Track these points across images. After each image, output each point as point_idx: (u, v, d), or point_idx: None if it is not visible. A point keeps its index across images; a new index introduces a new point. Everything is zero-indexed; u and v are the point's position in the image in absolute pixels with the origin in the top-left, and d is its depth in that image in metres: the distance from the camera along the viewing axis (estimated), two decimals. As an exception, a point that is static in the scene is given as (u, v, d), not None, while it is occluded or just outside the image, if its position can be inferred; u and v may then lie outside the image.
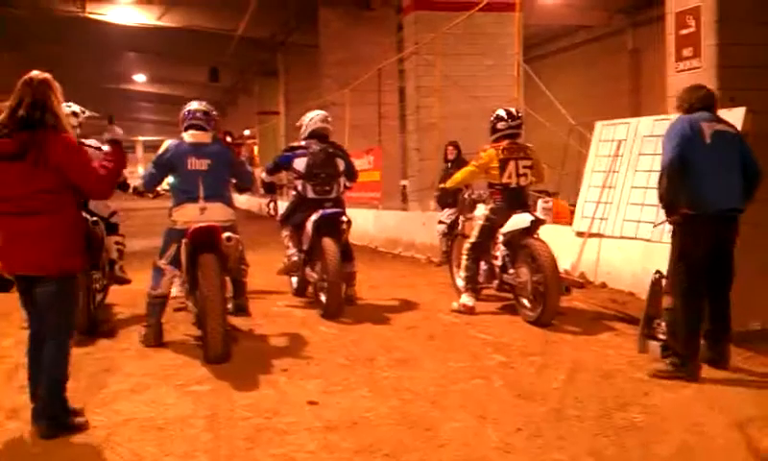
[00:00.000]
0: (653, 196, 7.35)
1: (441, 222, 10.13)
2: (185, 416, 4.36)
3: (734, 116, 5.96)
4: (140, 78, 33.37)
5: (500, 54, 13.49)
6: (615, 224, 7.87)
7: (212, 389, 4.87)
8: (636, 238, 7.49)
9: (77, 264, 4.13)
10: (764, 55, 6.75)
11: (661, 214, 6.88)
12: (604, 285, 7.86)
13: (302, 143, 7.38)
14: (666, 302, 5.10)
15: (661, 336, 5.35)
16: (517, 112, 7.34)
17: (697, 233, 4.90)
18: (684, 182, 4.88)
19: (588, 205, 8.40)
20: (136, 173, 39.94)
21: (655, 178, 7.41)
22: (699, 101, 5.10)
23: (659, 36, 14.72)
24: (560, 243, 7.66)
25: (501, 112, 7.18)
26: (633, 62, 20.56)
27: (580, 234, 8.40)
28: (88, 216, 6.14)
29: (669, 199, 4.94)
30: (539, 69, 14.46)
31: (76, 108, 6.47)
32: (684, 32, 7.20)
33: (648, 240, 7.26)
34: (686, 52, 7.20)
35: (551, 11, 18.13)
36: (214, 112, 6.22)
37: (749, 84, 6.49)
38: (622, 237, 7.73)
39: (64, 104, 6.26)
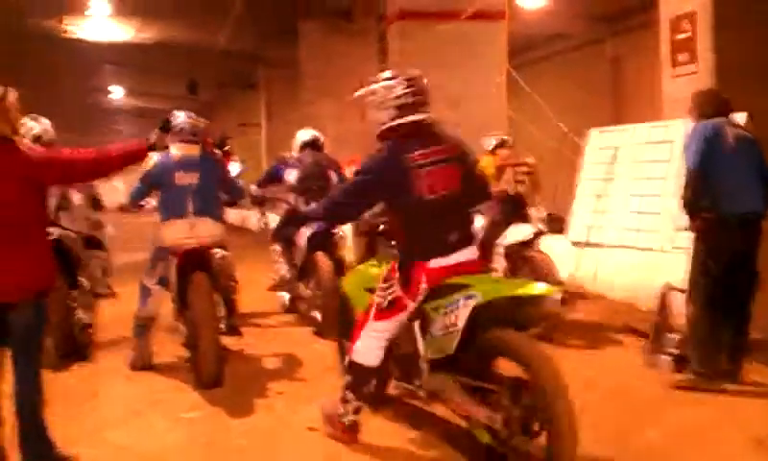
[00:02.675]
0: (652, 204, 7.25)
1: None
2: (182, 445, 4.16)
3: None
4: (118, 91, 32.93)
5: (485, 63, 13.33)
6: (613, 233, 7.72)
7: (206, 415, 4.65)
8: (635, 247, 7.34)
9: (50, 283, 3.80)
10: (761, 58, 6.66)
11: (668, 224, 6.82)
12: (602, 296, 7.69)
13: (294, 154, 7.17)
14: (687, 311, 4.94)
15: (672, 351, 5.20)
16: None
17: (719, 239, 4.74)
18: (708, 187, 4.73)
19: (583, 213, 8.25)
20: (116, 188, 39.39)
21: (653, 185, 7.33)
22: (714, 107, 4.96)
23: (640, 44, 14.70)
24: (555, 253, 7.48)
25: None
26: (613, 70, 20.54)
27: (576, 244, 8.25)
28: (66, 232, 5.89)
29: (692, 203, 4.78)
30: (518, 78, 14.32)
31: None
32: (680, 37, 7.09)
33: (649, 249, 7.12)
34: (682, 57, 7.10)
35: (534, 19, 18.02)
36: (202, 122, 5.97)
37: (746, 89, 6.36)
38: (621, 246, 7.57)
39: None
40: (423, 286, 3.62)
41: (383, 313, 3.74)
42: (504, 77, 10.90)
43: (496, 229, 6.66)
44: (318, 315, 6.62)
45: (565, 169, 10.08)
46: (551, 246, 7.53)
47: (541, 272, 6.19)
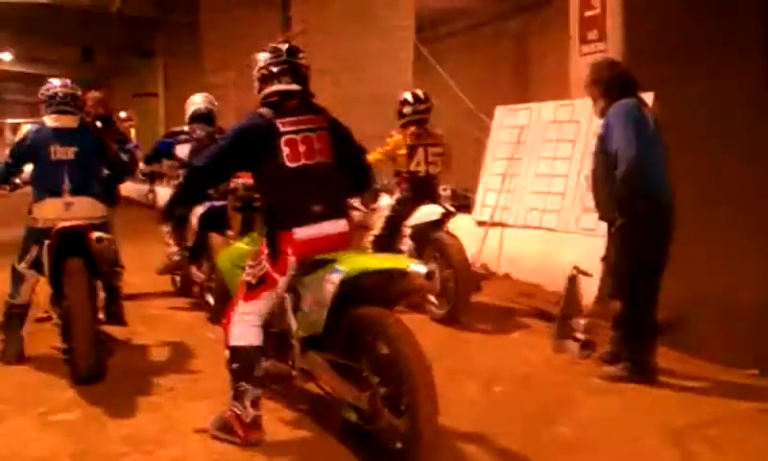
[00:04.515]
0: (558, 184, 7.14)
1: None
2: (48, 454, 3.70)
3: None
4: (6, 56, 30.92)
5: (392, 36, 13.05)
6: (518, 213, 7.59)
7: (82, 417, 4.19)
8: (540, 227, 7.22)
9: None
10: (669, 37, 6.61)
11: (574, 205, 6.70)
12: (507, 276, 7.57)
13: (185, 128, 6.67)
14: (615, 306, 4.74)
15: (579, 336, 5.06)
16: (425, 96, 6.81)
17: (655, 231, 4.47)
18: (644, 173, 4.41)
19: (489, 193, 8.10)
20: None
21: (559, 165, 7.21)
22: (624, 84, 4.68)
23: (546, 22, 14.74)
24: (459, 232, 7.29)
25: (408, 96, 6.69)
26: (519, 48, 20.59)
27: (481, 224, 8.10)
28: None
29: (633, 192, 4.40)
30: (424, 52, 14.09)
31: None
32: (589, 13, 6.99)
33: (553, 230, 7.02)
34: (591, 35, 7.00)
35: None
36: (79, 90, 5.42)
37: (654, 68, 6.29)
38: (526, 227, 7.45)
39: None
40: (291, 259, 3.58)
41: (252, 292, 3.67)
42: (410, 51, 10.62)
43: (404, 208, 6.39)
44: (211, 299, 6.20)
45: (472, 146, 9.93)
46: (456, 226, 7.33)
47: (449, 253, 5.97)
